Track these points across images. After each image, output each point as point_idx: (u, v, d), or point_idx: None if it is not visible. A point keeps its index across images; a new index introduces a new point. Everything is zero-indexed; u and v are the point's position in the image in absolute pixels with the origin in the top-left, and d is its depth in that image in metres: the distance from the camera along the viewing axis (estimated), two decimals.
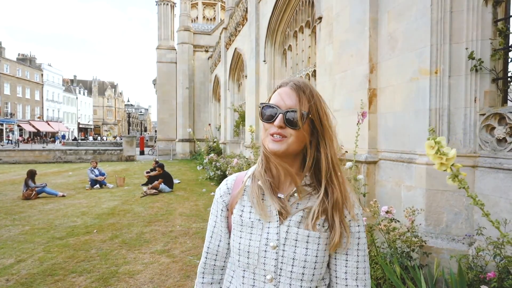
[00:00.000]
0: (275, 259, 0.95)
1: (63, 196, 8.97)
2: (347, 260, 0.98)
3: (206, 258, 1.13)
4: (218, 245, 1.11)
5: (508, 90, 2.97)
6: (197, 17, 30.13)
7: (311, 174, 0.99)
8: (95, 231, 5.67)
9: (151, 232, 5.59)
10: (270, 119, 0.95)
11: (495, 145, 2.80)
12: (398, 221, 2.92)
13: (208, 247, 1.13)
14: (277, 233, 0.96)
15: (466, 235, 2.89)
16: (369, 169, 3.91)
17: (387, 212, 2.72)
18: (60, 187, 10.42)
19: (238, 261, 1.01)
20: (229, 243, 1.09)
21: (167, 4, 27.55)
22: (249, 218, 1.01)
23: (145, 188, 9.79)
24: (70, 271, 3.98)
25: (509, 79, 2.93)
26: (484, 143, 2.87)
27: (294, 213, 0.97)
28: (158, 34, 27.32)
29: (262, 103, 0.99)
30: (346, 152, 3.77)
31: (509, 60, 2.88)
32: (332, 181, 0.96)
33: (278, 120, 0.92)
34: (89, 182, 10.55)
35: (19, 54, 54.07)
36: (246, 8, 12.09)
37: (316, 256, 0.94)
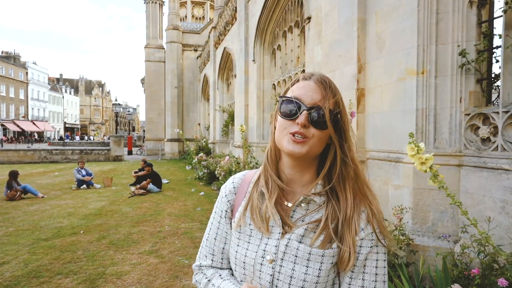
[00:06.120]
0: (271, 275, 0.86)
1: (42, 197, 8.71)
2: (362, 286, 0.84)
3: (212, 261, 1.00)
4: (223, 248, 0.99)
5: (492, 90, 3.04)
6: (186, 16, 29.95)
7: (324, 181, 0.88)
8: (82, 232, 5.57)
9: (139, 233, 5.52)
10: (290, 115, 0.82)
11: (480, 144, 2.86)
12: (386, 219, 2.95)
13: (213, 249, 1.00)
14: (276, 246, 0.86)
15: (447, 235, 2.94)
16: None
17: None
18: (46, 188, 10.20)
19: (235, 270, 0.93)
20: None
21: (156, 2, 27.26)
22: (249, 224, 0.91)
23: (133, 188, 9.68)
24: (56, 273, 3.90)
25: (493, 79, 2.99)
26: (469, 143, 2.93)
27: (300, 226, 0.86)
28: (147, 32, 27.01)
29: (282, 96, 0.86)
30: None
31: (494, 61, 2.95)
32: (348, 191, 0.86)
33: (303, 117, 0.80)
34: (76, 183, 10.36)
35: (2, 52, 52.69)
36: (235, 7, 12.05)
37: (318, 276, 0.83)
